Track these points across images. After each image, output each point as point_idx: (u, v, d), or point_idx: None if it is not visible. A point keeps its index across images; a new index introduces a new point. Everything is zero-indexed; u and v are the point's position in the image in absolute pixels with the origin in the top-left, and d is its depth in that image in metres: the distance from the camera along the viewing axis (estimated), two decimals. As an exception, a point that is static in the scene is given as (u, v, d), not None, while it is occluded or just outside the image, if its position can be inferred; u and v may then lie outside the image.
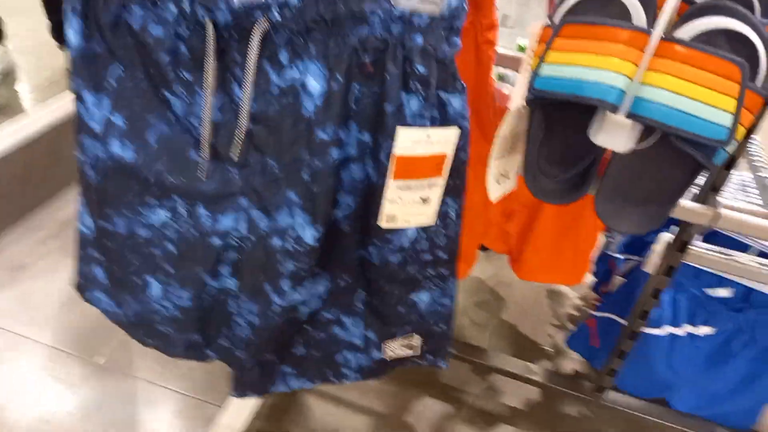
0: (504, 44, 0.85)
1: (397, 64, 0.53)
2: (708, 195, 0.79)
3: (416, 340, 0.76)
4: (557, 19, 0.61)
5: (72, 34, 0.55)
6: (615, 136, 0.58)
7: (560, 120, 0.65)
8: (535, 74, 0.61)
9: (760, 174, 0.97)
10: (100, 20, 0.54)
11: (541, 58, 0.61)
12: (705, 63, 0.55)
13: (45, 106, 1.66)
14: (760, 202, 0.94)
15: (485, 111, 0.74)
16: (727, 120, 0.55)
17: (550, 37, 0.61)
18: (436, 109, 0.57)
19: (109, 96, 0.58)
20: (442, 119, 0.58)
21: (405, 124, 0.56)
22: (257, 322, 0.69)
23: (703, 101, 0.55)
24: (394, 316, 0.72)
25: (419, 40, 0.53)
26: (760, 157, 1.01)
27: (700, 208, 0.78)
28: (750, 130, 0.66)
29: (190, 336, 0.74)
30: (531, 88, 0.62)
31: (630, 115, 0.57)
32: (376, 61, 0.54)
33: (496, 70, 0.78)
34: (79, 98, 0.59)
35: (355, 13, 0.51)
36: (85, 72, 0.57)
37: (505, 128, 0.67)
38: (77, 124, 0.60)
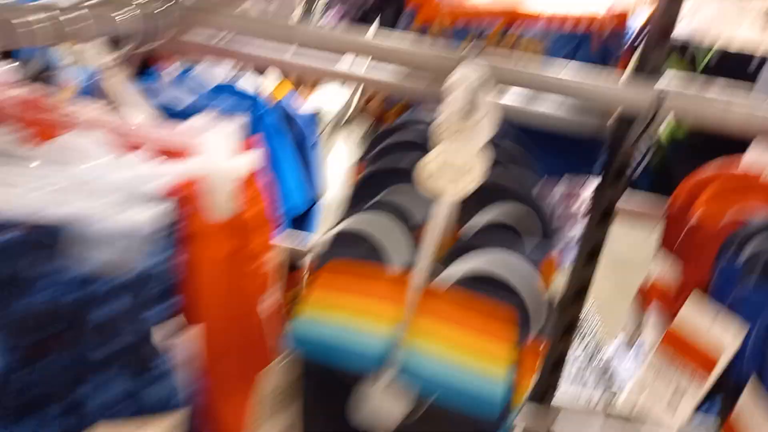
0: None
1: (85, 338, 0.42)
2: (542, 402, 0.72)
3: None
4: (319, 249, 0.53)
5: None
6: (381, 408, 0.48)
7: (329, 379, 0.54)
8: (292, 327, 0.51)
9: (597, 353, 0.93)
10: None
11: (300, 305, 0.52)
12: (472, 316, 0.48)
13: None
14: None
15: (249, 347, 0.61)
16: (497, 394, 0.46)
17: (312, 272, 0.53)
18: (141, 391, 0.44)
19: None
20: (151, 405, 0.44)
21: (104, 416, 0.43)
22: None
23: (470, 368, 0.46)
24: None
25: (107, 309, 0.42)
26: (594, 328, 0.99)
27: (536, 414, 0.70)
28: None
29: None
30: (290, 344, 0.51)
31: (395, 382, 0.47)
32: (56, 334, 0.41)
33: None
34: None
35: (18, 278, 0.40)
36: None
37: (269, 384, 0.55)
38: None
